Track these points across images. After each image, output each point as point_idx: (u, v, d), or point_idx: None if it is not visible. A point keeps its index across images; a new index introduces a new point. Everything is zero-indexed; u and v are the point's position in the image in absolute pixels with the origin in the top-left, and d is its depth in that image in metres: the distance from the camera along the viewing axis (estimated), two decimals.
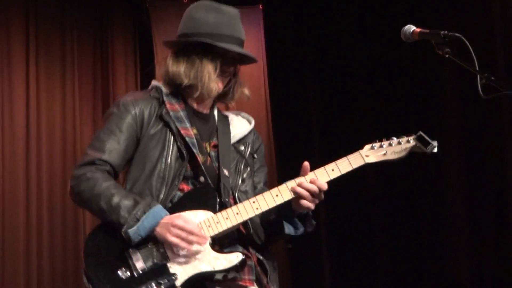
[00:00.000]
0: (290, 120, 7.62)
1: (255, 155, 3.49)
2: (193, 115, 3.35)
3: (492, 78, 2.73)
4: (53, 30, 7.37)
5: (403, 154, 3.04)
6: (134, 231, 2.99)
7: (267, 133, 7.70)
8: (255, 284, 3.19)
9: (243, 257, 3.08)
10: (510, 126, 6.22)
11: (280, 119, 7.71)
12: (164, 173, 3.19)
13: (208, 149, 3.31)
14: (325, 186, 3.08)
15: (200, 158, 3.21)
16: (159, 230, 3.01)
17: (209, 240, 3.06)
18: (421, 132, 2.97)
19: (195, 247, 3.01)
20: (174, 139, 3.23)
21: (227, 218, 3.08)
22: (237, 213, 3.10)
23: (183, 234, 2.99)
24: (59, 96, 7.30)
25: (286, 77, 7.68)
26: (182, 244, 2.99)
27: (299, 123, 7.63)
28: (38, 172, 7.04)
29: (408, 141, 3.03)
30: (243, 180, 3.36)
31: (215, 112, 3.48)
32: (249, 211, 3.10)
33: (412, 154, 3.04)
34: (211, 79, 3.28)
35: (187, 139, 3.21)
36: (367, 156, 3.08)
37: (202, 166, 3.20)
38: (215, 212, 3.11)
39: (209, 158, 3.29)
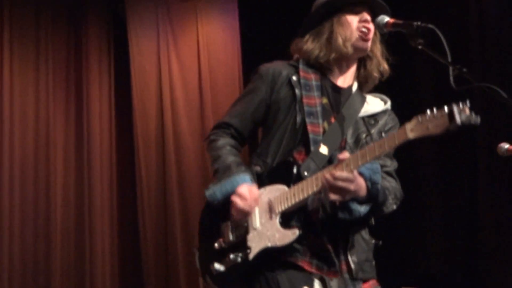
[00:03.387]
0: None
1: (383, 134, 3.30)
2: (328, 87, 3.35)
3: (464, 70, 2.74)
4: (27, 16, 7.33)
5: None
6: (210, 193, 3.23)
7: None
8: (313, 267, 3.13)
9: (300, 233, 3.04)
10: (482, 117, 6.25)
11: None
12: (281, 139, 3.25)
13: (333, 119, 3.27)
14: (343, 175, 2.91)
15: (316, 128, 3.20)
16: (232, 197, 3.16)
17: (278, 216, 3.09)
18: (453, 106, 2.66)
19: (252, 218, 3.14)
20: (295, 106, 3.26)
21: (294, 194, 3.07)
22: (302, 189, 3.06)
23: (240, 204, 3.13)
24: (33, 82, 7.28)
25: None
26: (238, 215, 3.15)
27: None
28: (11, 157, 7.00)
29: (442, 115, 2.71)
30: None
31: (354, 89, 3.42)
32: (310, 187, 3.04)
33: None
34: (343, 36, 3.30)
35: (306, 108, 3.23)
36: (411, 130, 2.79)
37: (310, 136, 3.18)
38: (289, 186, 3.11)
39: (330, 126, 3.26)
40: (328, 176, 2.92)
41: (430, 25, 2.89)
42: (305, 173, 3.10)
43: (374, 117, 3.35)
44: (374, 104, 3.41)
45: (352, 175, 2.92)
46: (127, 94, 7.51)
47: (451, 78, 2.73)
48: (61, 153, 7.24)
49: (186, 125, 7.58)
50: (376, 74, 3.43)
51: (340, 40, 3.31)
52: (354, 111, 3.31)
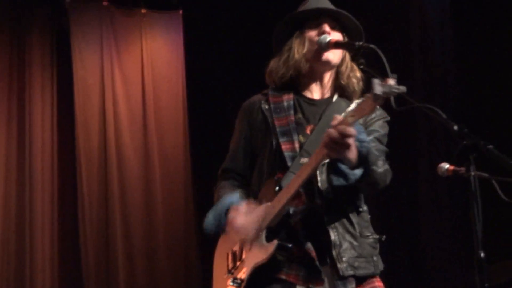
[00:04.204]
0: (207, 125, 7.61)
1: (364, 128, 3.22)
2: (302, 102, 3.37)
3: (405, 90, 2.75)
4: None
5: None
6: (205, 221, 3.32)
7: (184, 138, 7.69)
8: (300, 279, 3.12)
9: (279, 243, 3.05)
10: (423, 138, 6.33)
11: (197, 124, 7.69)
12: (262, 166, 3.31)
13: (310, 132, 3.27)
14: (348, 130, 2.82)
15: (291, 145, 3.23)
16: (228, 216, 3.23)
17: (264, 232, 3.12)
18: (372, 80, 2.67)
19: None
20: (270, 132, 3.30)
21: (273, 207, 3.09)
22: (279, 201, 3.08)
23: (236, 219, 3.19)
24: None
25: (204, 82, 7.67)
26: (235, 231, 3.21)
27: (216, 128, 7.63)
28: None
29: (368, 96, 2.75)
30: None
31: (334, 98, 3.40)
32: (285, 195, 3.06)
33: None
34: (299, 52, 3.34)
35: (278, 129, 3.27)
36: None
37: (285, 154, 3.21)
38: (272, 201, 3.13)
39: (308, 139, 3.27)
40: (332, 130, 2.83)
41: (371, 45, 2.90)
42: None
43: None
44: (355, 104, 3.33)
45: (351, 129, 2.84)
46: (70, 107, 7.42)
47: (392, 98, 2.74)
48: (2, 166, 7.11)
49: (129, 140, 7.53)
50: (350, 82, 3.39)
51: (296, 57, 3.34)
52: (327, 121, 3.23)
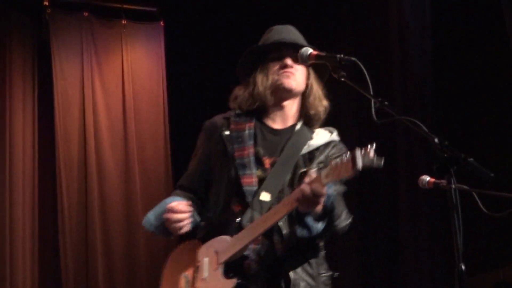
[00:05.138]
0: (188, 136, 7.58)
1: (323, 164, 3.28)
2: (263, 132, 3.38)
3: (386, 103, 2.76)
4: None
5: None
6: (145, 220, 3.33)
7: (165, 150, 7.68)
8: None
9: (238, 282, 3.07)
10: (403, 150, 6.35)
11: (178, 136, 7.68)
12: (219, 193, 3.30)
13: (269, 165, 3.29)
14: (321, 191, 2.88)
15: (249, 179, 3.23)
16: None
17: (221, 266, 3.11)
18: (355, 152, 2.70)
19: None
20: (229, 161, 3.30)
21: (234, 244, 3.09)
22: (240, 239, 3.08)
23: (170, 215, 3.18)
24: None
25: (185, 93, 7.67)
26: (171, 224, 3.19)
27: (197, 139, 7.62)
28: None
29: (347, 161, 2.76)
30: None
31: (297, 127, 3.42)
32: (247, 236, 3.07)
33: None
34: (263, 84, 3.37)
35: (237, 161, 3.27)
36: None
37: (244, 188, 3.21)
38: (232, 236, 3.13)
39: (267, 174, 3.27)
40: (306, 188, 2.87)
41: (352, 58, 2.90)
42: (247, 224, 3.13)
43: (316, 151, 3.34)
44: (319, 137, 3.40)
45: (324, 189, 2.90)
46: (50, 118, 7.41)
47: (373, 110, 2.74)
48: None
49: (109, 151, 7.52)
50: (316, 111, 3.43)
51: (261, 89, 3.37)
52: (296, 150, 3.32)
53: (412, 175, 5.93)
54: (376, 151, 2.70)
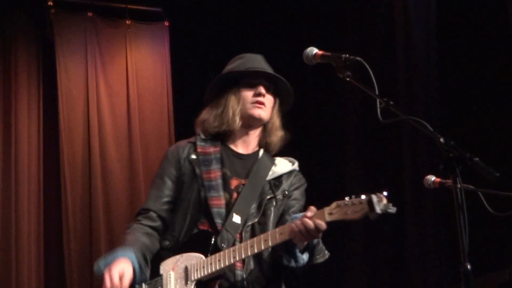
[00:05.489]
0: (192, 136, 7.58)
1: (287, 193, 3.45)
2: (229, 156, 3.48)
3: (391, 102, 2.75)
4: None
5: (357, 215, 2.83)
6: (96, 267, 3.31)
7: None
8: None
9: None
10: (408, 150, 6.33)
11: (182, 135, 7.62)
12: (186, 213, 3.36)
13: (235, 186, 3.39)
14: (324, 226, 2.96)
15: (217, 201, 3.31)
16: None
17: (193, 284, 3.14)
18: (371, 197, 2.77)
19: None
20: (197, 182, 3.38)
21: (211, 264, 3.12)
22: (219, 260, 3.12)
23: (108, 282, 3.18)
24: None
25: (189, 93, 7.66)
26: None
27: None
28: None
29: (360, 202, 2.82)
30: (263, 214, 3.36)
31: (260, 154, 3.53)
32: (227, 258, 3.11)
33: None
34: (233, 108, 3.46)
35: (205, 183, 3.34)
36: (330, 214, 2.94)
37: (212, 209, 3.29)
38: (206, 255, 3.16)
39: (234, 195, 3.37)
40: (310, 223, 2.95)
41: (358, 58, 2.89)
42: (222, 245, 3.20)
43: (279, 179, 3.46)
44: (281, 165, 3.52)
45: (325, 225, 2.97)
46: (55, 119, 7.41)
47: (378, 110, 2.74)
48: None
49: (114, 151, 7.51)
50: (276, 140, 3.56)
51: (230, 114, 3.46)
52: (262, 175, 3.44)
53: (417, 175, 5.92)
54: (387, 198, 2.77)
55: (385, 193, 2.78)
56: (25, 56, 7.47)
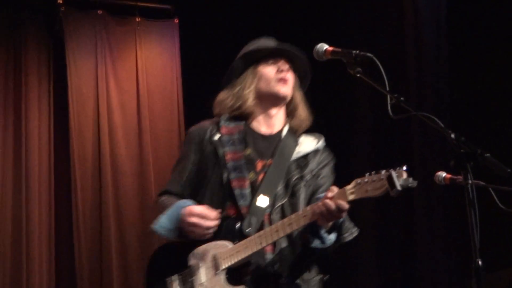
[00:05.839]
0: None
1: (315, 172, 3.42)
2: (253, 136, 3.43)
3: (402, 98, 2.75)
4: None
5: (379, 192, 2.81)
6: (158, 225, 3.33)
7: (179, 148, 7.67)
8: None
9: None
10: (419, 146, 6.33)
11: None
12: (211, 196, 3.33)
13: (261, 168, 3.35)
14: (346, 207, 2.94)
15: (241, 182, 3.28)
16: (181, 218, 3.21)
17: (224, 272, 3.13)
18: (391, 172, 2.74)
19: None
20: (219, 164, 3.34)
21: (238, 252, 3.11)
22: (246, 247, 3.10)
23: (197, 220, 3.15)
24: None
25: (199, 91, 7.65)
26: (197, 229, 3.16)
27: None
28: None
29: (380, 179, 2.80)
30: (293, 195, 3.32)
31: (284, 133, 3.48)
32: (254, 245, 3.09)
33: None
34: (250, 87, 3.44)
35: (229, 164, 3.31)
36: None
37: (235, 191, 3.26)
38: (233, 242, 3.15)
39: (260, 177, 3.33)
40: (331, 203, 2.93)
41: (368, 54, 2.89)
42: (248, 230, 3.16)
43: (306, 158, 3.42)
44: (306, 144, 3.47)
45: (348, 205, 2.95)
46: (65, 116, 7.41)
47: (389, 106, 2.74)
48: None
49: (124, 149, 7.52)
50: (300, 119, 3.52)
51: (246, 92, 3.44)
52: (287, 155, 3.38)
53: (428, 171, 5.91)
54: (407, 172, 2.73)
55: (404, 168, 2.74)
56: (35, 54, 7.48)
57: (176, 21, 7.86)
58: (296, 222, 3.01)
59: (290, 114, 3.53)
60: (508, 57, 5.89)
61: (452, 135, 2.58)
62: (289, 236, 3.18)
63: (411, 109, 2.76)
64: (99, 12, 7.66)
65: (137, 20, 7.74)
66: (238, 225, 3.17)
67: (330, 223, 3.09)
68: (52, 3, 7.44)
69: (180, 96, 7.76)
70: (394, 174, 2.71)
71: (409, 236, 6.42)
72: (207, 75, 7.63)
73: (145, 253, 7.34)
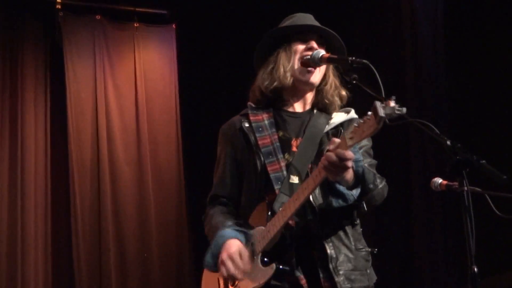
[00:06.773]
0: (200, 138, 7.60)
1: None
2: (283, 118, 3.39)
3: (398, 105, 2.75)
4: None
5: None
6: (205, 263, 3.28)
7: (177, 151, 7.69)
8: None
9: (278, 267, 3.06)
10: (417, 152, 6.33)
11: (190, 137, 7.68)
12: (250, 187, 3.30)
13: (296, 146, 3.30)
14: (346, 154, 2.80)
15: (276, 165, 3.24)
16: (220, 256, 3.17)
17: (259, 255, 3.12)
18: (375, 103, 2.59)
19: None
20: (253, 151, 3.31)
21: (268, 231, 3.08)
22: (274, 224, 3.06)
23: (232, 268, 3.12)
24: None
25: (197, 95, 7.67)
26: (227, 271, 3.14)
27: (209, 141, 7.61)
28: None
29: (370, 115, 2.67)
30: None
31: (314, 111, 3.42)
32: (280, 219, 3.04)
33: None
34: (284, 66, 3.35)
35: (262, 149, 3.28)
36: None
37: (271, 176, 3.21)
38: (265, 225, 3.12)
39: (295, 155, 3.27)
40: (331, 154, 2.82)
41: (364, 60, 2.90)
42: (279, 208, 3.10)
43: (339, 127, 3.34)
44: (338, 116, 3.39)
45: (349, 152, 2.82)
46: (63, 121, 7.41)
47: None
48: None
49: (122, 153, 7.53)
50: (333, 100, 3.43)
51: (281, 70, 3.36)
52: (318, 130, 3.32)
53: (424, 177, 5.92)
54: (396, 101, 2.61)
55: (393, 97, 2.61)
56: (33, 59, 7.48)
57: (174, 26, 7.88)
58: (310, 184, 2.93)
59: (321, 92, 3.45)
60: (506, 58, 5.89)
61: (448, 142, 2.59)
62: (311, 206, 3.14)
63: (407, 115, 2.76)
64: (98, 17, 7.67)
65: (135, 25, 7.76)
66: (269, 207, 3.15)
67: (351, 179, 2.99)
68: (51, 8, 7.45)
69: (178, 101, 7.77)
70: (378, 104, 2.58)
71: (406, 241, 6.42)
72: (204, 79, 7.65)
73: (142, 256, 7.35)
